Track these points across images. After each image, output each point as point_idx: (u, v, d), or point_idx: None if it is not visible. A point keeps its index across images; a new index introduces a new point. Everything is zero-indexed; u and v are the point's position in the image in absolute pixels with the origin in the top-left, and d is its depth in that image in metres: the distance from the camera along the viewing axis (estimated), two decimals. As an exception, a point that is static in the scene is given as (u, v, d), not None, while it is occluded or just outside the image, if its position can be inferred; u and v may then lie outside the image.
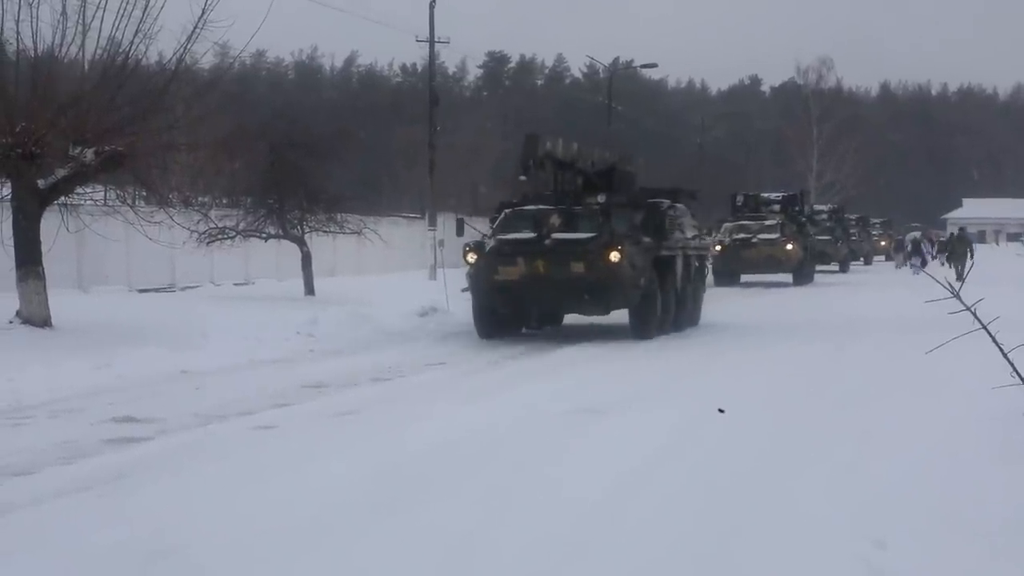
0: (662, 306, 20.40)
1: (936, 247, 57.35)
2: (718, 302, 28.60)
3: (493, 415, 12.07)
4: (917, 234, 63.71)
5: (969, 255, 40.42)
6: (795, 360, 16.86)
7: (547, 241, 19.52)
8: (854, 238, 60.05)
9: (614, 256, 19.04)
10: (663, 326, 20.57)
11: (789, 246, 39.51)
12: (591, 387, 14.21)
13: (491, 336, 20.23)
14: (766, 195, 45.39)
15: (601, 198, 20.63)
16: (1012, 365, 6.76)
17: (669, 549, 7.14)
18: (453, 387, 14.57)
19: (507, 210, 20.91)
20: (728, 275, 39.56)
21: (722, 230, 40.26)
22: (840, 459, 9.68)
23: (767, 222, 40.69)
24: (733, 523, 7.70)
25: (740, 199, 44.06)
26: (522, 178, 20.58)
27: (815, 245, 45.60)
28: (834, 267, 51.26)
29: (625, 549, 7.17)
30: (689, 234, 22.79)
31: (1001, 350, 6.77)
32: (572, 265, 19.15)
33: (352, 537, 7.45)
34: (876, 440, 10.51)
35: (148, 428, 11.52)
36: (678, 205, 22.56)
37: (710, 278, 37.46)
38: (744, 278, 40.26)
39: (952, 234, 65.63)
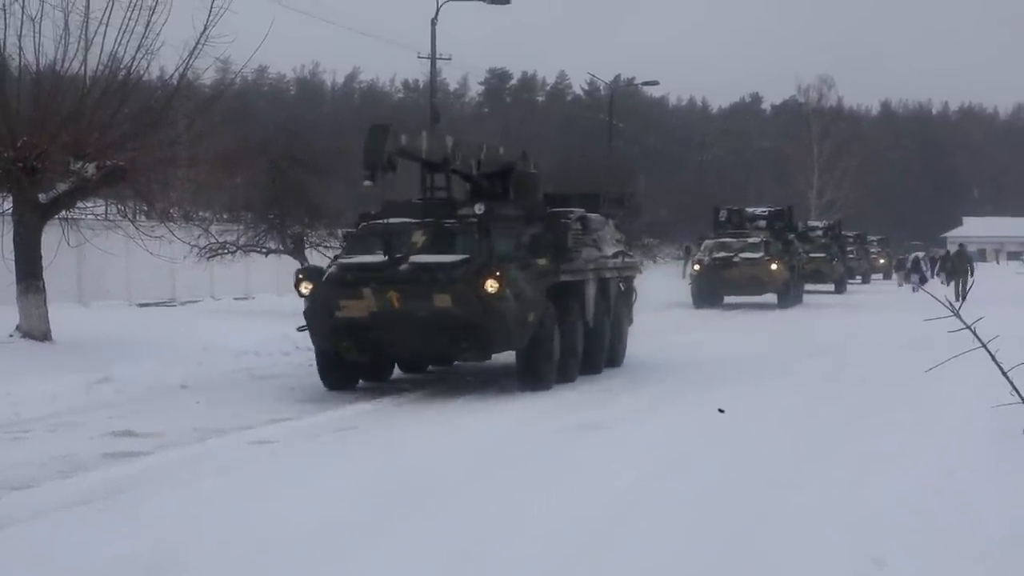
0: (564, 346, 15.95)
1: (937, 265, 57.35)
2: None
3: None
4: (921, 253, 63.75)
5: (969, 272, 39.76)
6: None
7: (403, 266, 14.83)
8: (851, 256, 57.34)
9: (491, 285, 14.41)
10: (567, 371, 16.03)
11: (773, 266, 35.93)
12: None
13: (339, 387, 15.57)
14: (751, 210, 41.72)
15: (479, 208, 15.65)
16: (1012, 383, 6.75)
17: (666, 567, 7.13)
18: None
19: (363, 224, 16.47)
20: (707, 296, 36.26)
21: (702, 247, 37.32)
22: (838, 477, 9.69)
23: (750, 239, 37.02)
24: (731, 541, 7.70)
25: (723, 214, 40.32)
26: (367, 183, 15.11)
27: (806, 264, 42.89)
28: (829, 287, 48.13)
29: (624, 565, 7.16)
30: (608, 251, 18.15)
31: (1001, 368, 6.76)
32: (435, 298, 14.52)
33: (352, 551, 7.45)
34: (875, 459, 10.51)
35: (147, 442, 11.52)
36: (591, 216, 17.69)
37: (688, 300, 36.12)
38: (727, 300, 37.08)
39: (947, 252, 65.55)
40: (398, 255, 14.96)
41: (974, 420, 12.19)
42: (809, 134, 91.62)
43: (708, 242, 37.26)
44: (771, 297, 36.65)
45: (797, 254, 39.80)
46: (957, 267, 39.95)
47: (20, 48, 18.62)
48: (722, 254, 36.08)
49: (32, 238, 19.20)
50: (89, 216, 22.84)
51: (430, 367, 17.78)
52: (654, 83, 66.70)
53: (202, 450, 11.13)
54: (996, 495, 8.93)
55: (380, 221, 16.17)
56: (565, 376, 15.99)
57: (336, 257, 16.32)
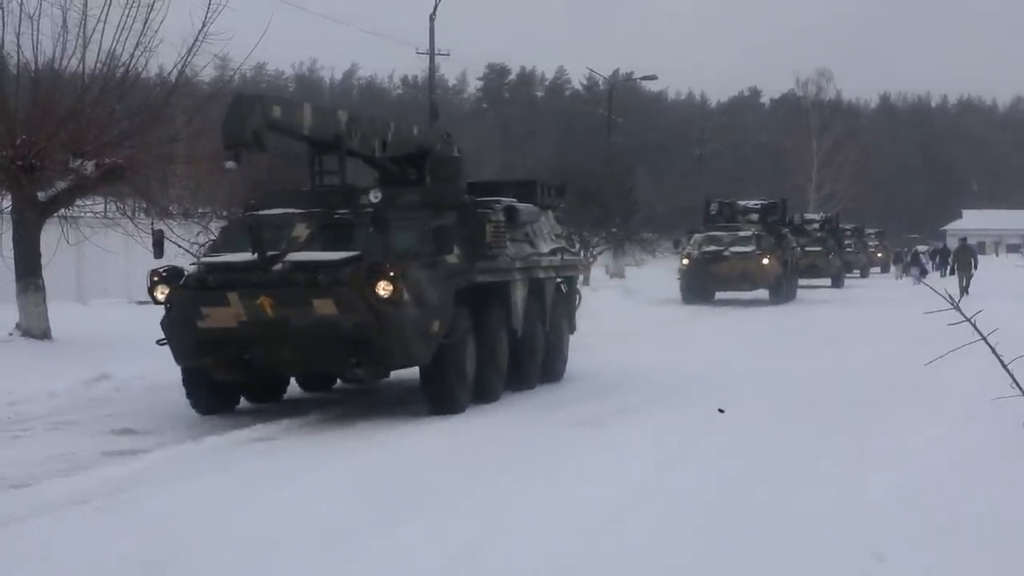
0: (482, 360, 13.64)
1: (937, 258, 57.36)
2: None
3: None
4: (924, 247, 63.73)
5: (973, 266, 39.32)
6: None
7: (277, 266, 12.33)
8: (849, 249, 55.88)
9: (384, 288, 11.94)
10: (487, 389, 13.75)
11: (765, 260, 34.36)
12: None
13: (214, 411, 13.24)
14: (743, 203, 40.01)
15: (374, 195, 13.20)
16: (1012, 376, 6.75)
17: (669, 565, 7.13)
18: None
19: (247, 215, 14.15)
20: (696, 292, 34.62)
21: (691, 241, 35.59)
22: (839, 472, 9.69)
23: (741, 233, 35.45)
24: (732, 537, 7.70)
25: (714, 207, 39.01)
26: (229, 164, 12.64)
27: (801, 258, 41.62)
28: (825, 282, 46.50)
29: (626, 563, 7.16)
30: (544, 247, 15.75)
31: (1001, 361, 6.76)
32: (316, 304, 12.02)
33: (352, 548, 7.44)
34: (875, 453, 10.51)
35: (146, 440, 11.52)
36: (521, 207, 14.91)
37: (677, 296, 34.59)
38: (718, 295, 35.40)
39: (943, 245, 65.36)
40: (274, 252, 12.40)
41: (975, 413, 12.19)
42: (808, 128, 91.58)
43: (698, 236, 35.69)
44: (763, 293, 35.23)
45: (790, 248, 38.34)
46: (961, 261, 39.41)
47: (18, 46, 18.65)
48: (712, 248, 34.58)
49: (31, 236, 19.22)
50: (88, 214, 22.88)
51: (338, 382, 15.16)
52: (652, 77, 66.52)
53: (201, 448, 11.11)
54: (997, 488, 8.92)
55: (258, 212, 13.76)
56: (485, 395, 13.66)
57: (202, 255, 13.62)
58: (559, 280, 16.66)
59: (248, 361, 12.49)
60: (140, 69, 19.69)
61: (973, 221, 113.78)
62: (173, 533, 7.87)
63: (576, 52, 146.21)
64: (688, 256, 34.76)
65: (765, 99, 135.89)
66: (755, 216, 38.31)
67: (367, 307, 11.97)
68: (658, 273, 37.96)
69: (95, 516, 8.41)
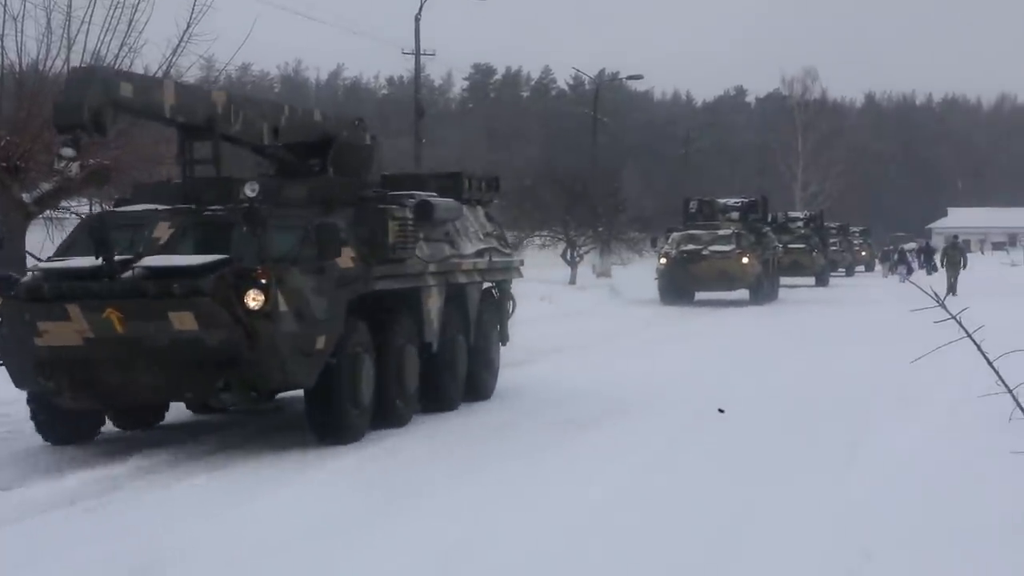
0: (388, 379, 11.89)
1: (922, 256, 57.49)
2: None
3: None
4: (912, 244, 63.83)
5: (962, 265, 39.08)
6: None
7: (127, 273, 10.42)
8: (834, 247, 55.26)
9: (254, 298, 10.15)
10: (392, 413, 11.99)
11: (744, 259, 33.29)
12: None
13: (67, 440, 11.41)
14: (723, 201, 39.03)
15: (251, 189, 10.78)
16: (997, 373, 6.78)
17: (656, 562, 7.15)
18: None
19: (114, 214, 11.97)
20: (675, 293, 33.67)
21: (669, 240, 34.55)
22: (827, 470, 9.71)
23: (720, 231, 34.51)
24: (720, 535, 7.72)
25: (694, 205, 38.10)
26: (65, 152, 10.61)
27: (784, 256, 40.92)
28: (809, 280, 45.64)
29: (614, 560, 7.17)
30: (469, 248, 13.89)
31: (986, 358, 6.79)
32: (173, 318, 10.13)
33: (341, 548, 7.44)
34: (862, 450, 10.54)
35: (134, 442, 11.48)
36: (438, 202, 12.95)
37: (649, 297, 33.69)
38: (698, 296, 34.45)
39: (926, 243, 65.39)
40: (125, 257, 10.51)
41: (961, 409, 12.23)
42: (793, 127, 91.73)
43: (676, 234, 34.70)
44: (745, 293, 34.10)
45: (771, 247, 37.25)
46: (950, 259, 39.13)
47: (2, 47, 18.67)
48: (690, 247, 33.57)
49: (16, 238, 19.17)
50: (74, 215, 22.76)
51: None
52: (638, 77, 66.59)
53: (189, 450, 11.09)
54: (983, 484, 8.96)
55: (119, 210, 11.97)
56: (389, 419, 11.93)
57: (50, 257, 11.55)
58: (490, 285, 14.99)
59: (95, 385, 10.59)
60: (125, 70, 19.65)
61: (958, 219, 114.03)
62: (160, 535, 7.86)
63: (562, 52, 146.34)
64: (666, 255, 33.96)
65: (751, 98, 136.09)
66: (735, 214, 37.53)
67: (233, 321, 10.10)
68: (643, 272, 37.82)
69: (83, 518, 8.41)
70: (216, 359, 10.30)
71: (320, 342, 10.70)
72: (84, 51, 19.11)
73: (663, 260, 33.91)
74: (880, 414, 12.55)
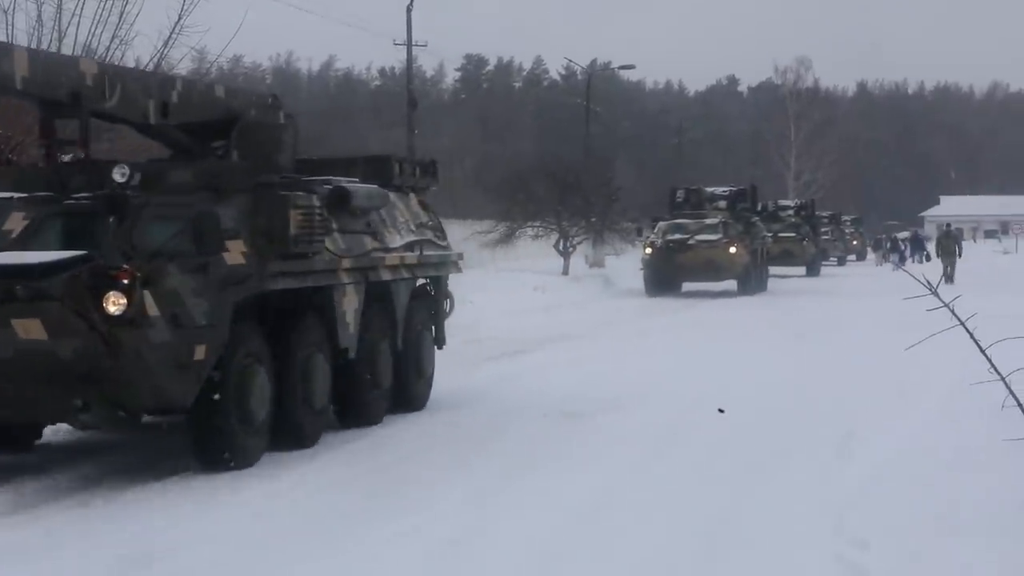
0: (289, 393, 10.36)
1: (910, 245, 57.59)
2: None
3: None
4: (905, 233, 63.95)
5: (957, 253, 39.16)
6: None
7: None
8: (826, 236, 54.58)
9: (114, 302, 8.70)
10: (294, 433, 10.45)
11: (732, 249, 32.51)
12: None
13: None
14: (711, 189, 37.95)
15: (120, 173, 9.51)
16: (990, 361, 6.79)
17: (653, 553, 7.16)
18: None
19: None
20: (660, 283, 33.02)
21: (655, 229, 33.88)
22: (821, 459, 9.73)
23: (707, 220, 33.72)
24: (716, 524, 7.73)
25: (680, 194, 37.10)
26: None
27: (773, 246, 40.23)
28: (800, 270, 44.93)
29: (610, 550, 7.18)
30: (397, 240, 12.31)
31: (979, 346, 6.80)
32: (17, 326, 8.77)
33: (338, 540, 7.44)
34: (856, 439, 10.56)
35: (125, 435, 11.46)
36: (356, 188, 11.39)
37: (641, 288, 32.91)
38: (685, 287, 33.75)
39: (915, 232, 65.41)
40: None
41: (954, 398, 12.25)
42: (786, 116, 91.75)
43: (662, 223, 33.99)
44: (732, 284, 33.41)
45: (760, 236, 36.45)
46: (945, 248, 38.99)
47: (-7, 40, 18.53)
48: (676, 236, 32.80)
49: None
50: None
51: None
52: (630, 67, 66.50)
53: (181, 441, 11.07)
54: (978, 472, 8.98)
55: None
56: (290, 439, 10.40)
57: None
58: (424, 283, 13.54)
59: None
60: (116, 62, 19.61)
61: (951, 207, 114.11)
62: (154, 529, 7.85)
63: (554, 42, 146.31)
64: (651, 245, 33.25)
65: (743, 87, 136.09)
66: (723, 203, 36.53)
67: (89, 329, 8.67)
68: (636, 263, 37.80)
69: (76, 511, 8.39)
70: (71, 373, 8.84)
71: (199, 352, 9.13)
72: (75, 43, 19.07)
73: (648, 250, 33.26)
74: (874, 403, 12.56)
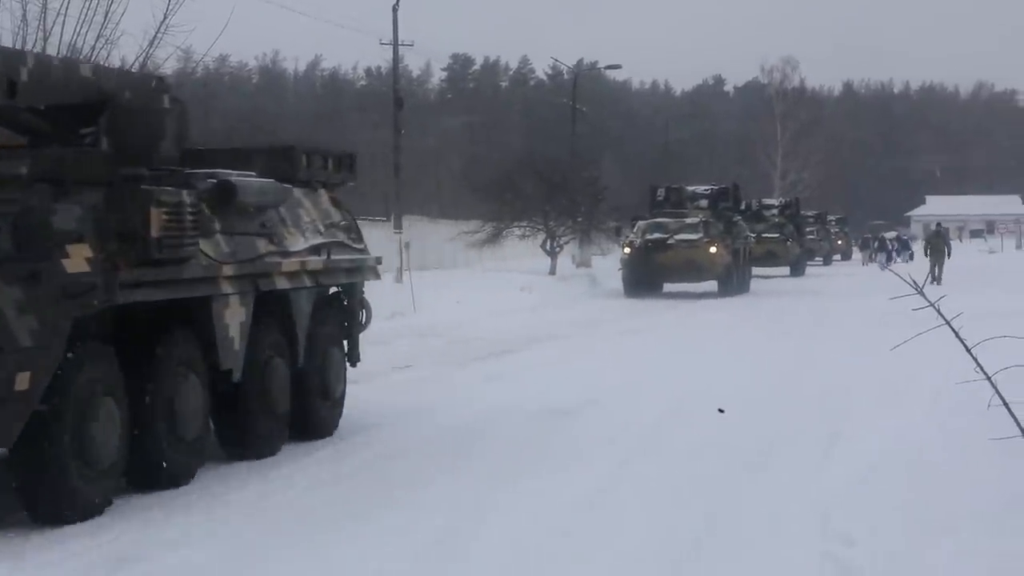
0: (149, 426, 8.71)
1: (897, 245, 57.80)
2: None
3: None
4: (893, 232, 64.21)
5: (947, 254, 38.29)
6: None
7: None
8: (812, 236, 54.38)
9: None
10: (158, 470, 8.83)
11: (713, 248, 31.66)
12: None
13: None
14: (692, 188, 37.23)
15: None
16: (976, 360, 6.80)
17: (640, 551, 7.16)
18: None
19: None
20: (639, 284, 32.18)
21: (635, 229, 32.92)
22: (808, 457, 9.74)
23: (688, 220, 32.84)
24: (702, 523, 7.73)
25: (661, 192, 36.45)
26: None
27: (757, 246, 39.76)
28: (784, 270, 44.42)
29: (598, 549, 7.18)
30: (299, 243, 10.73)
31: (965, 345, 6.81)
32: None
33: (326, 539, 7.43)
34: (843, 437, 10.58)
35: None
36: (246, 183, 9.86)
37: (620, 288, 32.33)
38: (666, 288, 32.95)
39: (897, 234, 65.45)
40: None
41: (940, 397, 12.27)
42: (772, 115, 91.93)
43: (641, 223, 33.09)
44: (713, 285, 32.65)
45: (742, 236, 35.51)
46: (934, 248, 38.23)
47: (-23, 40, 18.42)
48: (656, 235, 31.98)
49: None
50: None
51: None
52: (616, 67, 66.45)
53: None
54: (962, 471, 8.99)
55: None
56: (154, 479, 8.83)
57: None
58: (337, 291, 12.02)
59: None
60: (102, 61, 19.55)
61: (936, 207, 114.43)
62: (140, 525, 7.82)
63: (540, 42, 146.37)
64: (630, 244, 32.38)
65: (729, 87, 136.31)
66: (704, 202, 35.85)
67: None
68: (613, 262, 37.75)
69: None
70: None
71: (22, 381, 7.44)
72: (60, 43, 18.98)
73: (627, 249, 32.46)
74: (861, 400, 12.59)
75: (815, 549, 7.05)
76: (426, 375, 16.02)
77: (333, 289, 11.85)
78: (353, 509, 8.22)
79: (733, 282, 33.01)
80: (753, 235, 40.28)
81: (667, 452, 10.12)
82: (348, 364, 11.92)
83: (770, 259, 43.82)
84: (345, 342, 11.90)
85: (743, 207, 44.72)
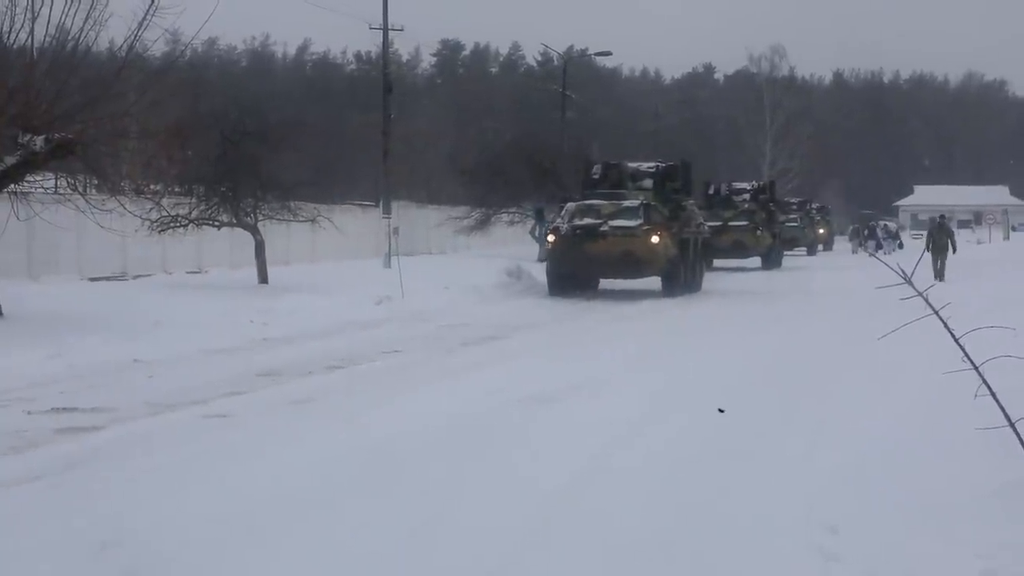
0: None
1: (882, 233, 57.93)
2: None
3: (453, 401, 12.07)
4: (883, 221, 64.40)
5: (951, 247, 33.77)
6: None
7: None
8: (794, 224, 50.73)
9: None
10: None
11: (655, 238, 26.19)
12: None
13: None
14: (634, 165, 30.65)
15: None
16: (963, 350, 6.79)
17: (627, 540, 7.15)
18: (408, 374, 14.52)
19: None
20: (565, 279, 27.06)
21: (563, 211, 27.70)
22: (793, 447, 9.74)
23: (626, 203, 27.07)
24: (687, 512, 7.73)
25: (597, 170, 30.38)
26: None
27: (725, 234, 37.03)
28: (755, 261, 40.33)
29: (584, 538, 7.17)
30: None
31: (952, 335, 6.81)
32: None
33: (311, 523, 7.42)
34: (828, 427, 10.59)
35: (100, 417, 11.41)
36: None
37: (543, 284, 27.57)
38: (602, 283, 28.43)
39: (884, 224, 65.33)
40: None
41: (926, 387, 12.28)
42: (761, 104, 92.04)
43: (571, 205, 27.72)
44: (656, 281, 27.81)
45: (694, 223, 29.91)
46: (938, 242, 33.65)
47: (-35, 20, 18.35)
48: (587, 221, 26.61)
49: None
50: (39, 189, 22.58)
51: None
52: (607, 54, 66.49)
53: (155, 424, 11.04)
54: (949, 461, 9.00)
55: None
56: None
57: None
58: None
59: None
60: (90, 43, 19.50)
61: (925, 197, 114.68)
62: (128, 510, 7.81)
63: (530, 28, 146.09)
64: (555, 231, 27.06)
65: (719, 75, 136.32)
66: (648, 182, 29.55)
67: None
68: None
69: (48, 493, 8.34)
70: None
71: None
72: (48, 23, 18.91)
73: (551, 237, 27.15)
74: (847, 390, 12.60)
75: (800, 539, 7.05)
76: (411, 361, 16.00)
77: None
78: (325, 497, 8.20)
79: (680, 279, 27.76)
80: (719, 222, 36.98)
81: (650, 440, 10.10)
82: None
83: (738, 250, 40.04)
84: None
85: (712, 191, 42.72)
